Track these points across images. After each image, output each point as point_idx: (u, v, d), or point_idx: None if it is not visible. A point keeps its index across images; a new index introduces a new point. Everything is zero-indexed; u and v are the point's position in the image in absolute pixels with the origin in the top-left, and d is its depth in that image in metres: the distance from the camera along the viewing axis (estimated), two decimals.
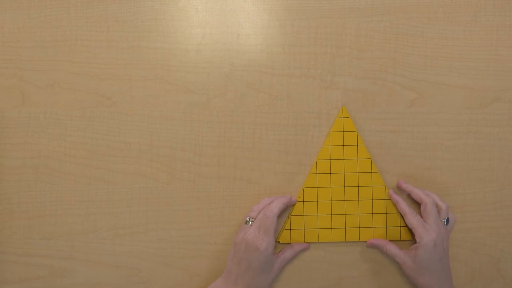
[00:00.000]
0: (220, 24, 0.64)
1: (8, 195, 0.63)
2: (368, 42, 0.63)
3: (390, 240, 0.61)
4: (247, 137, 0.63)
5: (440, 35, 0.63)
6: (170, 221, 0.63)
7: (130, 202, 0.63)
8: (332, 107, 0.63)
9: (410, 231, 0.61)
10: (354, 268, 0.62)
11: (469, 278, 0.62)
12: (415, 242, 0.58)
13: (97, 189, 0.63)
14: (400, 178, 0.63)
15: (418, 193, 0.60)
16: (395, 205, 0.61)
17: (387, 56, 0.63)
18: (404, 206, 0.60)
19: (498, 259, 0.62)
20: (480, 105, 0.63)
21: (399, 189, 0.62)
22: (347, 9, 0.63)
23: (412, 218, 0.58)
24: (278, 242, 0.62)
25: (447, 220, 0.59)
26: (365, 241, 0.62)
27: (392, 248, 0.59)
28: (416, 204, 0.61)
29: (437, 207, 0.59)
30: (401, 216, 0.61)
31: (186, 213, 0.63)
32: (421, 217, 0.59)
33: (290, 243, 0.62)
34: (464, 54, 0.63)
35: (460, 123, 0.63)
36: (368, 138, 0.63)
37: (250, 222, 0.59)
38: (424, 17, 0.63)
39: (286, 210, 0.62)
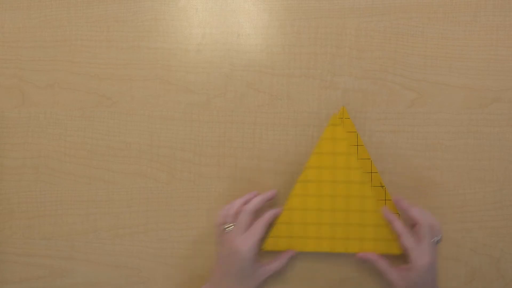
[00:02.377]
0: (220, 24, 0.64)
1: (8, 195, 0.63)
2: (368, 42, 0.63)
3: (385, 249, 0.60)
4: (247, 137, 0.63)
5: (440, 35, 0.63)
6: (170, 221, 0.63)
7: (130, 202, 0.63)
8: (332, 107, 0.63)
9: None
10: (354, 268, 0.62)
11: (469, 278, 0.62)
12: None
13: (97, 189, 0.63)
14: (400, 178, 0.62)
15: (414, 213, 0.58)
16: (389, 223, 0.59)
17: (387, 56, 0.63)
18: (399, 226, 0.57)
19: (498, 259, 0.62)
20: (480, 105, 0.63)
21: (396, 205, 0.61)
22: (347, 9, 0.63)
23: (407, 240, 0.56)
24: (262, 250, 0.60)
25: (439, 241, 0.57)
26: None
27: (384, 264, 0.58)
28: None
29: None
30: (400, 216, 0.61)
31: (186, 213, 0.63)
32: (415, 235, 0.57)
33: (277, 251, 0.60)
34: (464, 54, 0.63)
35: (460, 123, 0.63)
36: (368, 138, 0.63)
37: (229, 227, 0.58)
38: (424, 17, 0.63)
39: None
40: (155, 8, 0.64)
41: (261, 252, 0.59)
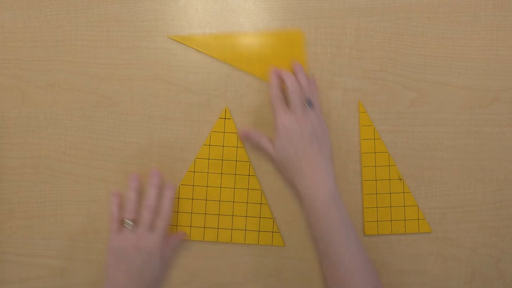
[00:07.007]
0: (220, 24, 0.64)
1: (8, 195, 0.63)
2: (368, 42, 0.63)
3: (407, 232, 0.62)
4: None
5: (440, 35, 0.63)
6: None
7: None
8: (332, 107, 0.63)
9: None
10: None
11: (469, 278, 0.62)
12: (434, 234, 0.60)
13: (97, 189, 0.63)
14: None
15: (284, 75, 0.58)
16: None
17: (387, 56, 0.63)
18: (273, 90, 0.58)
19: (498, 259, 0.62)
20: (480, 105, 0.63)
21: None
22: (347, 9, 0.63)
23: (274, 103, 0.57)
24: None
25: (310, 103, 0.57)
26: (384, 234, 0.62)
27: (264, 141, 0.59)
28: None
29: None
30: (419, 209, 0.62)
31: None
32: None
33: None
34: (464, 54, 0.63)
35: (460, 123, 0.63)
36: None
37: (129, 224, 0.57)
38: (424, 17, 0.63)
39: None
40: (155, 8, 0.64)
41: None
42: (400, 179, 0.62)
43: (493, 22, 0.63)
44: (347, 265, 0.53)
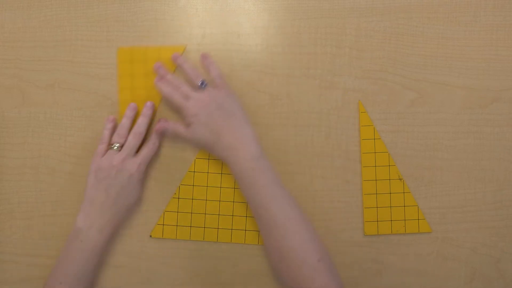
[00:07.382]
0: (220, 24, 0.64)
1: (8, 195, 0.63)
2: (368, 42, 0.63)
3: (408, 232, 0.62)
4: None
5: (440, 35, 0.63)
6: None
7: None
8: (332, 107, 0.63)
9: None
10: (354, 268, 0.62)
11: (469, 278, 0.62)
12: (434, 234, 0.60)
13: None
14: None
15: (165, 78, 0.61)
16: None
17: (387, 56, 0.63)
18: (163, 91, 0.60)
19: (498, 259, 0.62)
20: (480, 105, 0.63)
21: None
22: (347, 9, 0.63)
23: (171, 101, 0.59)
24: None
25: (202, 83, 0.59)
26: (384, 234, 0.62)
27: (181, 130, 0.59)
28: None
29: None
30: (419, 209, 0.62)
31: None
32: None
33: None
34: (464, 54, 0.63)
35: (460, 123, 0.63)
36: None
37: (116, 147, 0.59)
38: (424, 17, 0.63)
39: None
40: (155, 8, 0.64)
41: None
42: (400, 179, 0.62)
43: (493, 22, 0.63)
44: (281, 226, 0.53)
